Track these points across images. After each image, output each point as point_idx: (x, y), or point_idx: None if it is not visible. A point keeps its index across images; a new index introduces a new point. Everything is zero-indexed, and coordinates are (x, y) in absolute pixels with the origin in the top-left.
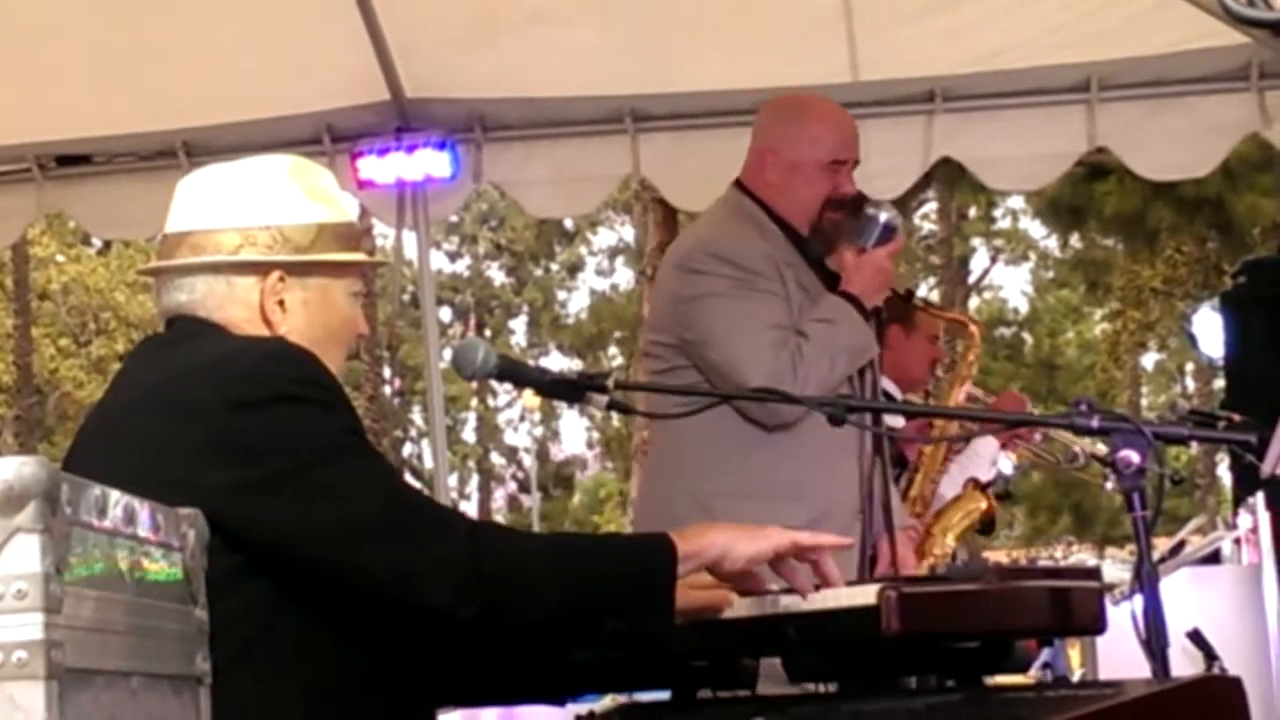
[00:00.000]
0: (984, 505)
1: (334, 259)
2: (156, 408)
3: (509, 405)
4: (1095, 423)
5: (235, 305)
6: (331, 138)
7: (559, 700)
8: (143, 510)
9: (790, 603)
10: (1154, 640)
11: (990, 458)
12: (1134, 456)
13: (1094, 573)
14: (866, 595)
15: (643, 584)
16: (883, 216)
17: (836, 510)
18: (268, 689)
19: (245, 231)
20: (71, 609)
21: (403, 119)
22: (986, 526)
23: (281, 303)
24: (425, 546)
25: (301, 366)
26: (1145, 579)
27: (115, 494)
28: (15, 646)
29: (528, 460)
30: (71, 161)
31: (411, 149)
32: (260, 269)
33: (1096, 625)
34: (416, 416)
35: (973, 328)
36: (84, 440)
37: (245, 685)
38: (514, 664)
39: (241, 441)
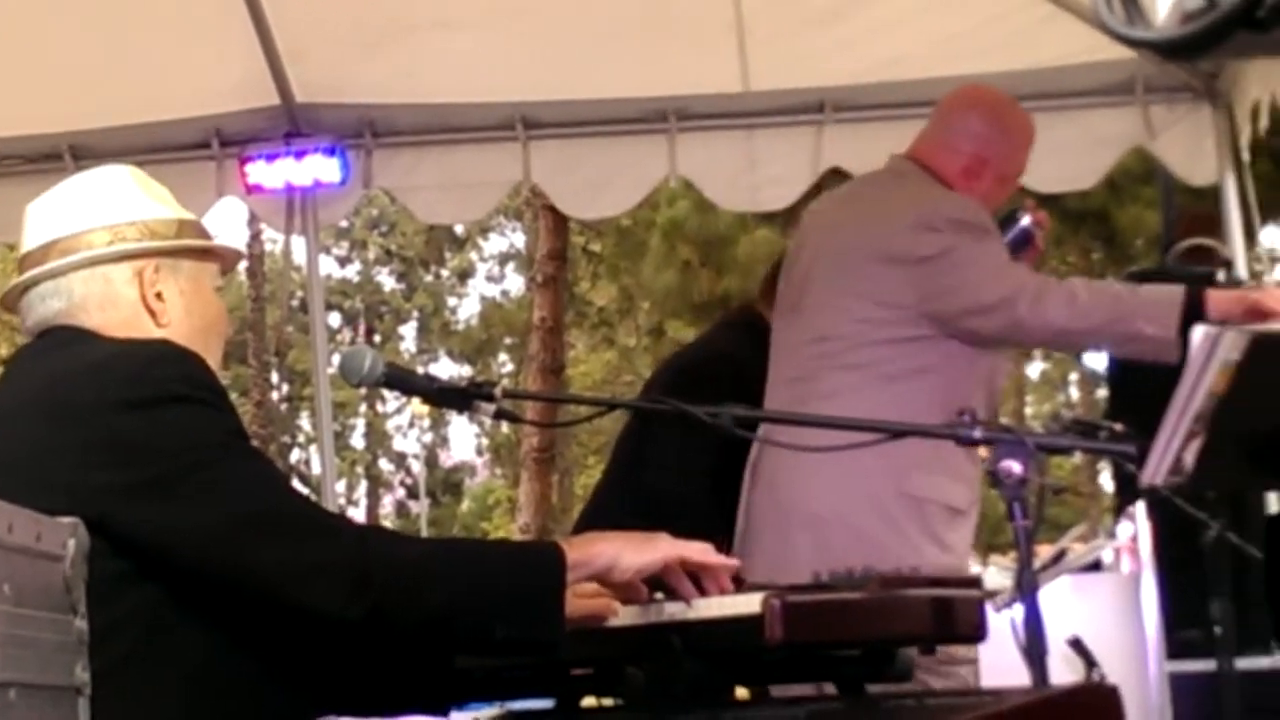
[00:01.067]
0: None
1: (201, 245)
2: (40, 413)
3: (398, 411)
4: (978, 433)
5: (115, 303)
6: (220, 142)
7: (443, 710)
8: (22, 520)
9: (675, 611)
10: (1033, 648)
11: None
12: (1016, 466)
13: (975, 581)
14: (750, 604)
15: (531, 590)
16: (1024, 220)
17: (978, 495)
18: (151, 695)
19: (113, 228)
20: None
21: (292, 124)
22: None
23: (160, 294)
24: (313, 546)
25: (187, 366)
26: (1026, 587)
27: None
28: None
29: (416, 467)
30: None
31: (301, 154)
32: (134, 257)
33: (977, 633)
34: (304, 422)
35: None
36: None
37: (128, 691)
38: (398, 673)
39: (128, 443)
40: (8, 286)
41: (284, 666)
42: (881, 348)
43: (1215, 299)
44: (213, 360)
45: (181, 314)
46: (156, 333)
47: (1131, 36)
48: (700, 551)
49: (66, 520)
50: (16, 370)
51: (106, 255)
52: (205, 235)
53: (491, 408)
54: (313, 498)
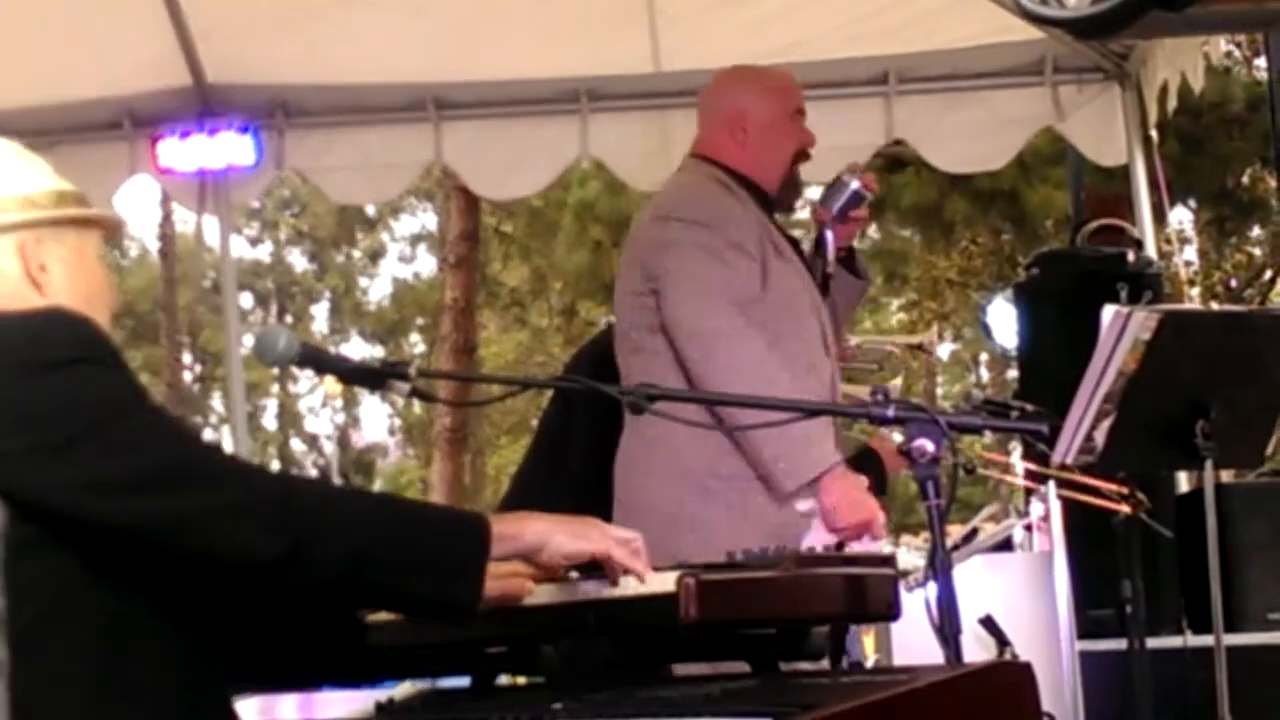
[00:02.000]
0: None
1: (82, 214)
2: None
3: (310, 392)
4: (891, 412)
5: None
6: (132, 122)
7: (356, 684)
8: None
9: (590, 589)
10: (946, 627)
11: None
12: (929, 445)
13: (889, 560)
14: (665, 582)
15: (454, 550)
16: (853, 184)
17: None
18: (59, 666)
19: None
20: None
21: (205, 104)
22: None
23: (43, 265)
24: (229, 490)
25: (80, 328)
26: (939, 566)
27: None
28: None
29: (329, 447)
30: None
31: (214, 131)
32: (15, 230)
33: (891, 612)
34: (217, 403)
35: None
36: None
37: (42, 657)
38: (312, 646)
39: (30, 408)
40: None
41: (199, 631)
42: (647, 334)
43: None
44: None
45: (66, 284)
46: (41, 304)
47: (1045, 15)
48: (628, 554)
49: None
50: None
51: None
52: (85, 205)
53: (406, 387)
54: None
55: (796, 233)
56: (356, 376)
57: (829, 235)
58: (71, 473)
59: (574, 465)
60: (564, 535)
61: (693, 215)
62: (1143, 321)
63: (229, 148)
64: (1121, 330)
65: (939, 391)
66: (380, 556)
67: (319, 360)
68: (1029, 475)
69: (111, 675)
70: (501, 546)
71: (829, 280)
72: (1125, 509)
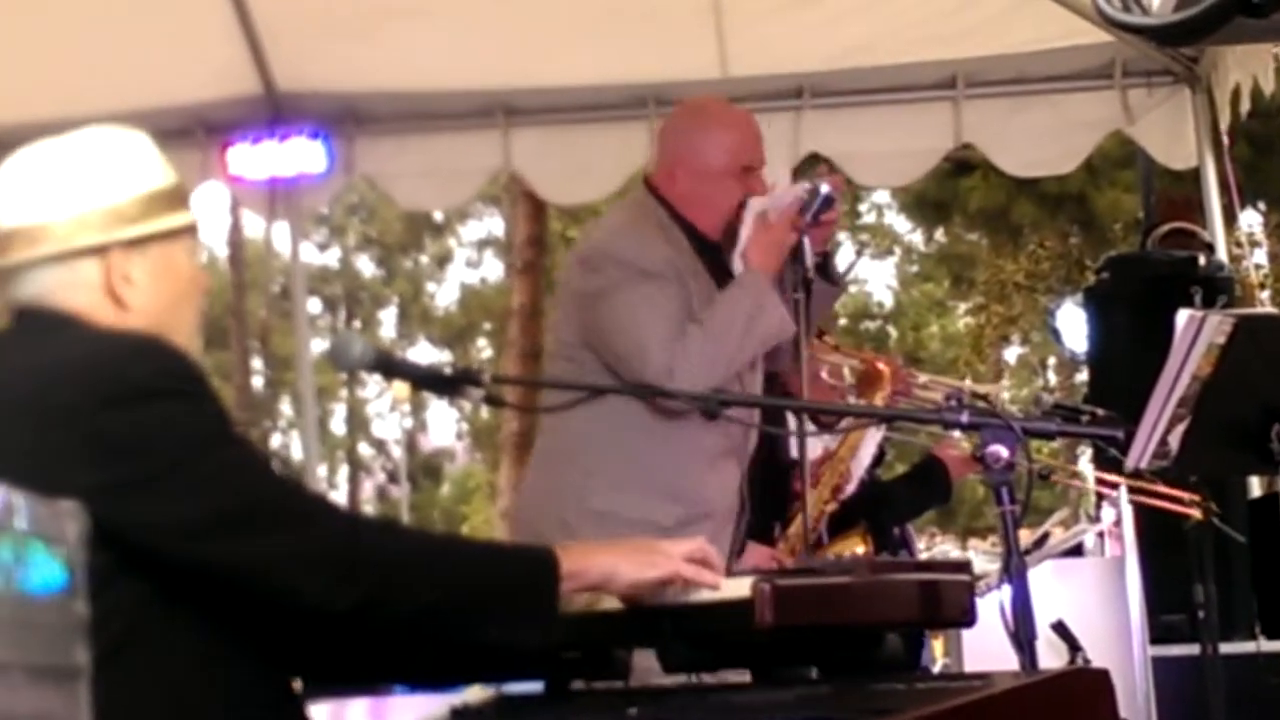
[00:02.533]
0: (862, 549)
1: (168, 227)
2: (21, 414)
3: (378, 396)
4: (965, 418)
5: (81, 290)
6: (204, 130)
7: (428, 688)
8: (24, 503)
9: (666, 595)
10: (1022, 632)
11: (868, 455)
12: (1003, 451)
13: (964, 566)
14: (741, 588)
15: (523, 594)
16: (823, 188)
17: (709, 513)
18: (136, 689)
19: (78, 216)
20: None
21: (276, 111)
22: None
23: (127, 277)
24: (301, 537)
25: (166, 359)
26: (1014, 571)
27: None
28: None
29: (397, 451)
30: None
31: (285, 138)
32: (101, 252)
33: (966, 618)
34: (285, 407)
35: (882, 366)
36: None
37: (117, 684)
38: (386, 651)
39: (112, 441)
40: None
41: (273, 653)
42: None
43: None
44: (187, 330)
45: (150, 295)
46: (123, 317)
47: (1128, 22)
48: (695, 570)
49: (67, 504)
50: None
51: (69, 252)
52: (179, 202)
53: (480, 393)
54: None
55: None
56: (430, 382)
57: (805, 242)
58: (149, 511)
59: None
60: (630, 565)
61: (616, 254)
62: (1217, 326)
63: (300, 154)
64: (1196, 334)
65: (1005, 396)
66: (450, 606)
67: (393, 366)
68: (1100, 480)
69: (186, 696)
70: (570, 583)
71: (809, 285)
72: (1197, 514)
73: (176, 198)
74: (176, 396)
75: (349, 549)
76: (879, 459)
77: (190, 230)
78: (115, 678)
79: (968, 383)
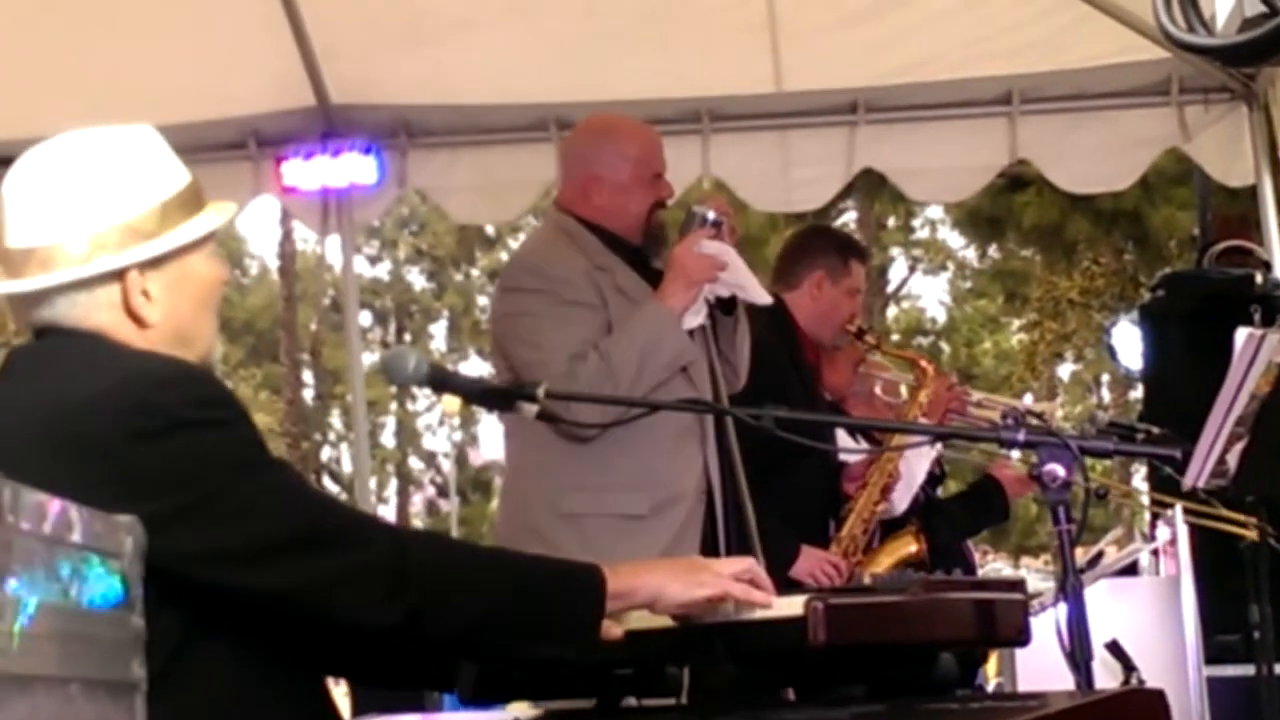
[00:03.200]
0: (914, 549)
1: (189, 238)
2: (51, 444)
3: (428, 410)
4: (1021, 436)
5: (102, 311)
6: (257, 142)
7: (476, 703)
8: (80, 517)
9: (718, 612)
10: (1078, 652)
11: (922, 471)
12: (1059, 470)
13: (1019, 584)
14: (793, 606)
15: (568, 612)
16: (710, 215)
17: (681, 494)
18: (182, 714)
19: (93, 237)
20: (11, 615)
21: (328, 124)
22: (916, 568)
23: (146, 293)
24: (346, 554)
25: (196, 387)
26: (1070, 591)
27: (54, 501)
28: None
29: (446, 465)
30: None
31: (337, 152)
32: (118, 273)
33: (1020, 637)
34: (335, 420)
35: (925, 365)
36: None
37: (160, 710)
38: (440, 665)
39: (146, 475)
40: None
41: (318, 671)
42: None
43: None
44: (208, 336)
45: (171, 309)
46: (144, 333)
47: (1193, 43)
48: (745, 589)
49: (124, 518)
50: (15, 383)
51: (85, 279)
52: (193, 204)
53: (534, 408)
54: (344, 498)
55: None
56: (484, 397)
57: None
58: (186, 542)
59: None
60: (678, 585)
61: (526, 270)
62: (1277, 344)
63: (352, 167)
64: (1255, 353)
65: (1058, 413)
66: (495, 622)
67: (447, 381)
68: (1155, 501)
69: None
70: (616, 604)
71: (712, 314)
72: (1253, 534)
73: (192, 200)
74: (208, 425)
75: (395, 563)
76: (938, 479)
77: (209, 239)
78: (161, 702)
79: (1027, 400)
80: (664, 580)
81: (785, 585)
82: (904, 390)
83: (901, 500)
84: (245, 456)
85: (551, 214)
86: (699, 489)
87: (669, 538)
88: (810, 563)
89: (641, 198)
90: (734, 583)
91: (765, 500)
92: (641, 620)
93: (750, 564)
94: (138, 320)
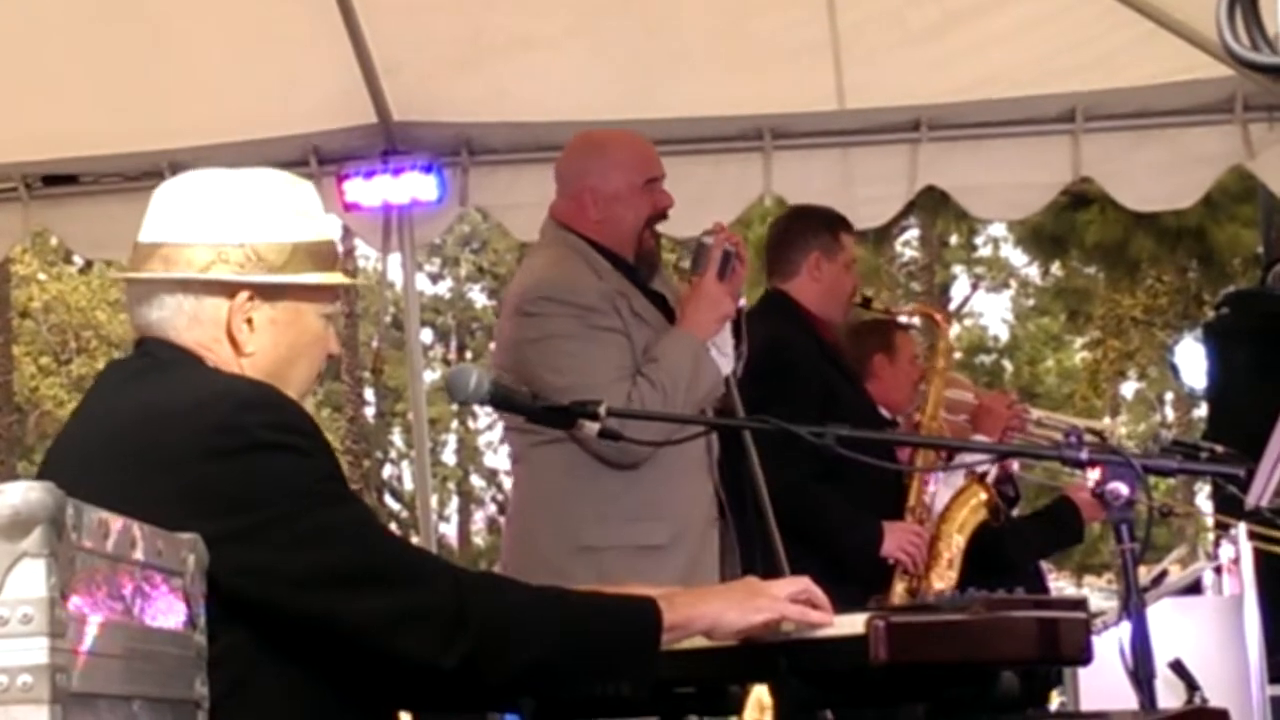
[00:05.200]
0: (984, 495)
1: (306, 281)
2: (131, 453)
3: (489, 428)
4: (1085, 455)
5: (203, 324)
6: (318, 160)
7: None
8: (143, 535)
9: (779, 631)
10: (1141, 670)
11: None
12: (1123, 489)
13: (1081, 603)
14: (855, 625)
15: (624, 650)
16: (724, 245)
17: (694, 524)
18: None
19: (218, 248)
20: (75, 633)
21: (389, 142)
22: (995, 515)
23: (250, 321)
24: (407, 594)
25: (279, 412)
26: (1134, 609)
27: (116, 518)
28: (20, 670)
29: (508, 483)
30: (58, 181)
31: (398, 172)
32: (229, 289)
33: (1083, 656)
34: (397, 438)
35: (937, 315)
36: (54, 472)
37: None
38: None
39: (218, 492)
40: (116, 274)
41: (377, 698)
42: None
43: (680, 309)
44: (300, 388)
45: (269, 344)
46: (239, 361)
47: (1258, 62)
48: (801, 610)
49: (186, 536)
50: (110, 390)
51: (199, 281)
52: (325, 261)
53: (596, 426)
54: (407, 517)
55: None
56: (546, 416)
57: None
58: (255, 562)
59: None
60: (735, 613)
61: (551, 294)
62: None
63: (414, 185)
64: None
65: (1121, 431)
66: (552, 665)
67: (510, 399)
68: (1218, 520)
69: None
70: (673, 635)
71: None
72: None
73: (323, 256)
74: (285, 450)
75: (454, 608)
76: (1012, 501)
77: (328, 292)
78: None
79: (1101, 424)
80: (721, 608)
81: (878, 568)
82: (968, 397)
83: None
84: (317, 487)
85: (551, 230)
86: (710, 518)
87: (685, 567)
88: (897, 537)
89: (637, 207)
90: (790, 605)
91: (834, 495)
92: (702, 639)
93: (807, 584)
94: (235, 345)
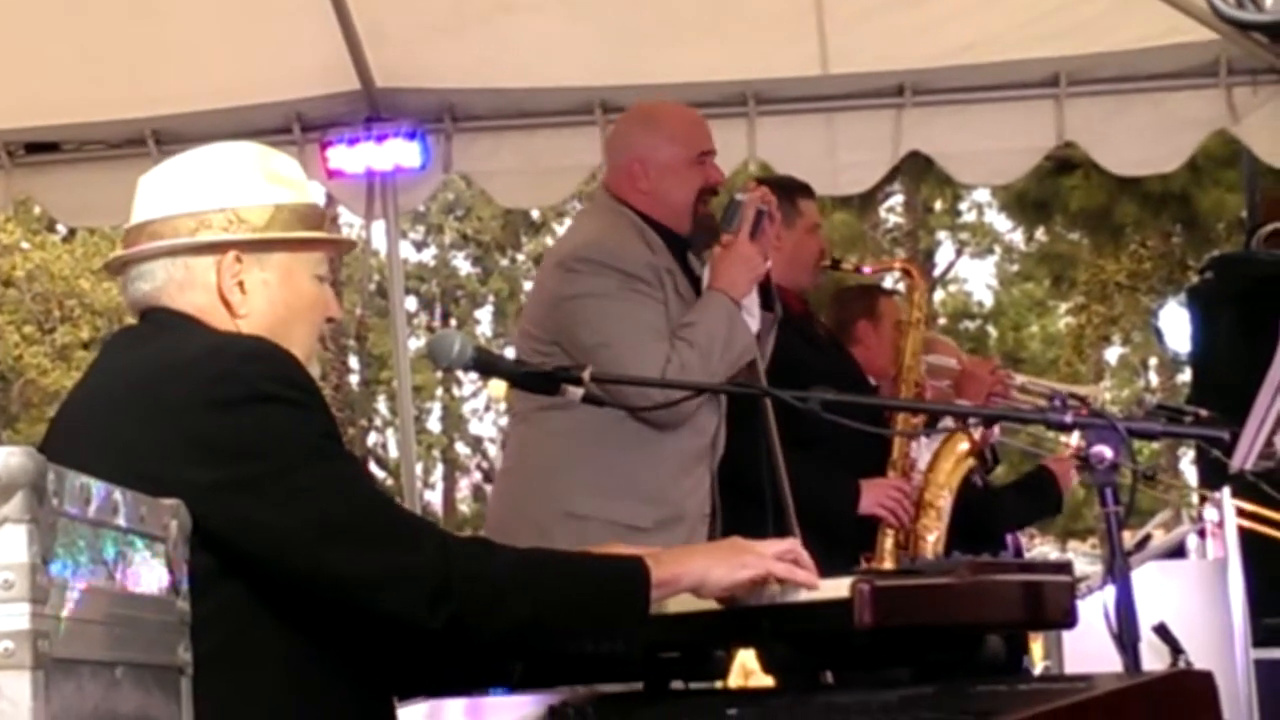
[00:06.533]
0: (967, 445)
1: (290, 236)
2: (133, 405)
3: (474, 395)
4: (1069, 418)
5: (195, 289)
6: (301, 127)
7: (523, 690)
8: (125, 501)
9: (764, 595)
10: (1125, 634)
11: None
12: (1107, 452)
13: (1066, 567)
14: (840, 588)
15: (613, 608)
16: (756, 203)
17: (684, 515)
18: (239, 690)
19: (200, 215)
20: (57, 599)
21: (373, 108)
22: (982, 461)
23: (241, 284)
24: (395, 554)
25: (280, 365)
26: (1118, 573)
27: (98, 484)
28: (2, 636)
29: (493, 450)
30: (41, 149)
31: (381, 138)
32: (216, 249)
33: (1068, 619)
34: (382, 406)
35: (909, 268)
36: (56, 435)
37: (215, 686)
38: (482, 663)
39: (217, 441)
40: (108, 259)
41: (368, 661)
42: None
43: (712, 268)
44: (299, 350)
45: (263, 305)
46: (233, 323)
47: (1243, 19)
48: (788, 568)
49: (169, 501)
50: (113, 355)
51: (184, 246)
52: (310, 222)
53: (580, 391)
54: (392, 484)
55: None
56: (530, 381)
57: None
58: (247, 513)
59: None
60: (721, 569)
61: (598, 257)
62: None
63: (397, 152)
64: None
65: (1106, 396)
66: (540, 624)
67: (492, 365)
68: (1203, 483)
69: (284, 701)
70: (660, 591)
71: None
72: None
73: (308, 216)
74: (284, 403)
75: (441, 570)
76: (990, 466)
77: (316, 248)
78: (211, 682)
79: (1085, 389)
80: (707, 565)
81: (862, 528)
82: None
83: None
84: (313, 442)
85: (603, 199)
86: (702, 512)
87: None
88: (876, 493)
89: (687, 180)
90: (776, 562)
91: (808, 462)
92: (687, 603)
93: (793, 544)
94: (230, 308)
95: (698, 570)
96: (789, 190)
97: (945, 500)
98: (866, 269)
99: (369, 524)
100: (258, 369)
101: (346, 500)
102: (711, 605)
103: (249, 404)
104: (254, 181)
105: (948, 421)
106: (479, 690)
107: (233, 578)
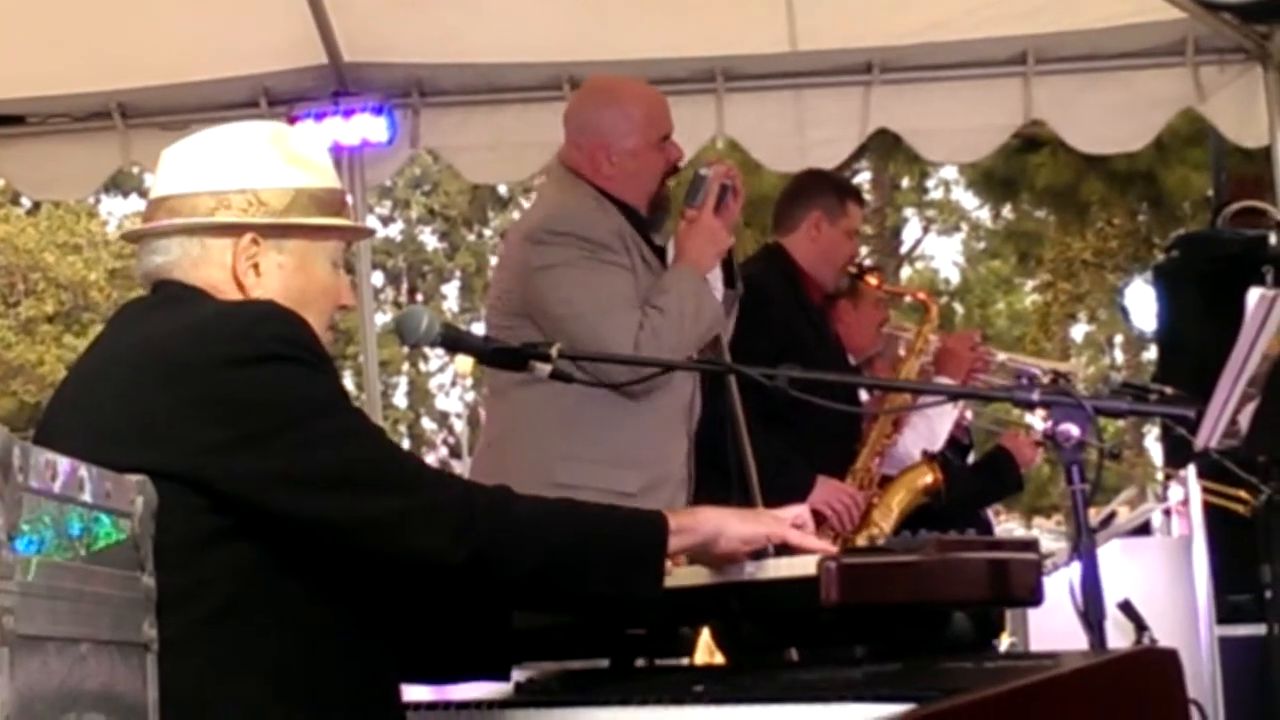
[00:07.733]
0: (930, 479)
1: (309, 222)
2: (141, 368)
3: (440, 370)
4: (1036, 396)
5: (210, 267)
6: (268, 101)
7: (504, 674)
8: (90, 476)
9: (732, 572)
10: (1091, 612)
11: (943, 430)
12: (1074, 430)
13: (1032, 544)
14: (806, 566)
15: (633, 551)
16: (720, 178)
17: (668, 477)
18: (241, 651)
19: (220, 195)
20: (21, 575)
21: (340, 83)
22: (936, 499)
23: (256, 266)
24: (418, 492)
25: (290, 326)
26: (1084, 550)
27: (63, 460)
28: None
29: (459, 425)
30: (5, 122)
31: (349, 113)
32: (233, 230)
33: (1034, 597)
34: (348, 381)
35: (925, 297)
36: (61, 401)
37: (220, 647)
38: (461, 640)
39: (230, 399)
40: (126, 231)
41: (372, 622)
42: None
43: (678, 243)
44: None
45: (276, 288)
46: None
47: (1224, 2)
48: (800, 536)
49: (134, 478)
50: (122, 324)
51: (202, 225)
52: (329, 207)
53: (547, 368)
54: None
55: None
56: (497, 358)
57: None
58: (268, 466)
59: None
60: (737, 521)
61: (566, 229)
62: None
63: (364, 126)
64: (1267, 314)
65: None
66: (561, 562)
67: (460, 341)
68: (1169, 460)
69: (288, 663)
70: (679, 539)
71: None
72: (1242, 508)
73: (329, 202)
74: (295, 362)
75: (465, 505)
76: (965, 448)
77: (334, 236)
78: (213, 645)
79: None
80: (725, 517)
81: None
82: (933, 339)
83: (914, 449)
84: (328, 399)
85: (559, 172)
86: (683, 474)
87: None
88: (826, 492)
89: (652, 164)
90: (792, 529)
91: (780, 438)
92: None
93: (804, 512)
94: (242, 289)
95: (715, 520)
96: (841, 190)
97: (887, 525)
98: (886, 286)
99: (391, 467)
100: (270, 328)
101: (364, 448)
102: (678, 583)
103: (261, 362)
104: (275, 163)
105: (924, 399)
106: (474, 678)
107: (240, 539)
